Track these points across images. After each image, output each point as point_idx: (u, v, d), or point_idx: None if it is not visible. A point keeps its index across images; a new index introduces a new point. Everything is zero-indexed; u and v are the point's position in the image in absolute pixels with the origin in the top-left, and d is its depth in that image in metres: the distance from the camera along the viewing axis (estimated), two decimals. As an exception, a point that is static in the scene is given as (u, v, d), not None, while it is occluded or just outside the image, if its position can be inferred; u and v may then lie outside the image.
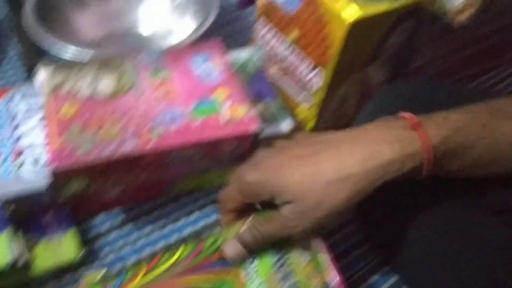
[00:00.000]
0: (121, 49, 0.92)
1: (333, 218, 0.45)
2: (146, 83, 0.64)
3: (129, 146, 0.58)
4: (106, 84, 0.63)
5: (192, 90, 0.65)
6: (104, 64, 0.65)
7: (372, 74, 0.75)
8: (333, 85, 0.72)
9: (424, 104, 0.52)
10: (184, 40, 0.81)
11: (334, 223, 0.47)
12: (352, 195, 0.44)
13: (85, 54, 0.77)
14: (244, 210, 0.54)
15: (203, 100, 0.64)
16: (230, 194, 0.53)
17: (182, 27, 0.91)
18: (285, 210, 0.47)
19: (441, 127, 0.45)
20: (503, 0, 0.65)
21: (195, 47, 0.72)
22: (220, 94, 0.65)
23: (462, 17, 0.60)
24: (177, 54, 0.70)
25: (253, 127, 0.62)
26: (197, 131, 0.60)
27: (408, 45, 0.75)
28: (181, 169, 0.64)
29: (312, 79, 0.72)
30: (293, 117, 0.79)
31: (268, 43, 0.79)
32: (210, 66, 0.68)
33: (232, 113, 0.63)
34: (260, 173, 0.48)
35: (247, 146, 0.65)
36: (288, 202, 0.46)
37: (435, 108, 0.49)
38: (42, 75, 0.63)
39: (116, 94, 0.63)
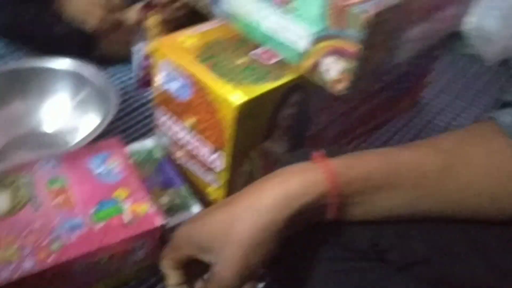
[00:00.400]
0: (27, 152, 0.90)
1: (258, 254, 0.46)
2: (43, 194, 0.63)
3: (29, 264, 0.56)
4: (1, 202, 0.61)
5: (92, 194, 0.64)
6: (-4, 181, 0.64)
7: (272, 147, 0.78)
8: (235, 164, 0.73)
9: None
10: (87, 137, 0.81)
11: (263, 259, 0.47)
12: (264, 225, 0.45)
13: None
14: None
15: (104, 202, 0.64)
16: (166, 251, 0.52)
17: (86, 123, 0.92)
18: (214, 264, 0.47)
19: (344, 158, 0.47)
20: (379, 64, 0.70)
21: (93, 147, 0.72)
22: (121, 193, 0.65)
23: (340, 87, 0.65)
24: (75, 157, 0.70)
25: (157, 222, 0.62)
26: (99, 237, 0.60)
27: (302, 115, 0.79)
28: (91, 276, 0.63)
29: (215, 161, 0.74)
30: (203, 200, 0.80)
31: (170, 129, 0.80)
32: (110, 165, 0.69)
33: (135, 211, 0.63)
34: (188, 224, 0.50)
35: (156, 240, 0.64)
36: (213, 254, 0.47)
37: None
38: None
39: (12, 210, 0.61)
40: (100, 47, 1.09)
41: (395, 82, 0.96)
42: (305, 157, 0.61)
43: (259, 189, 0.47)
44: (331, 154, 0.53)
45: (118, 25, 1.06)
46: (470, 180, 0.46)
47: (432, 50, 0.99)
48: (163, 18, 1.05)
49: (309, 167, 0.47)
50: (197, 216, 0.51)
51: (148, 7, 1.06)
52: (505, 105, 0.49)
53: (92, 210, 0.62)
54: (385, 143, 1.01)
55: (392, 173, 0.46)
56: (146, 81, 1.08)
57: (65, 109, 0.96)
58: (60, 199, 0.63)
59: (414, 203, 0.48)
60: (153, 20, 1.05)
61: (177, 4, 1.05)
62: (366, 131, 1.01)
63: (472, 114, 1.11)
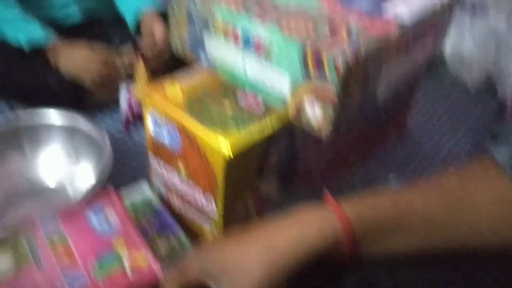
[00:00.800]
0: (28, 206, 0.92)
1: None
2: (45, 251, 0.65)
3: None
4: (3, 264, 0.63)
5: (91, 247, 0.67)
6: (-2, 243, 0.66)
7: (264, 186, 0.80)
8: (228, 206, 0.76)
9: None
10: (86, 192, 0.83)
11: None
12: (278, 266, 0.47)
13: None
14: None
15: (104, 254, 0.66)
16: (172, 274, 0.53)
17: (80, 171, 0.95)
18: None
19: (356, 204, 0.49)
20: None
21: (88, 200, 0.74)
22: (120, 244, 0.67)
23: (324, 130, 0.67)
24: (72, 211, 0.72)
25: (158, 272, 0.64)
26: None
27: (291, 154, 0.81)
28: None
29: (208, 205, 0.76)
30: (199, 241, 0.82)
31: (163, 174, 0.83)
32: (106, 217, 0.71)
33: (134, 261, 0.65)
34: (200, 250, 0.52)
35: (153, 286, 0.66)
36: (222, 283, 0.48)
37: None
38: None
39: (15, 270, 0.63)
40: (90, 96, 1.12)
41: (380, 113, 0.99)
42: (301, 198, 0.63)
43: (276, 227, 0.49)
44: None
45: (111, 78, 1.09)
46: (476, 222, 0.48)
47: (414, 78, 1.02)
48: (149, 67, 1.09)
49: (324, 211, 0.49)
50: (210, 244, 0.53)
51: (136, 53, 1.10)
52: (495, 136, 0.52)
53: (93, 264, 0.64)
54: (374, 172, 1.04)
55: (403, 218, 0.49)
56: (133, 122, 1.13)
57: (60, 160, 0.98)
58: (61, 255, 0.65)
59: (423, 243, 0.50)
60: (140, 69, 1.09)
61: (165, 56, 1.09)
62: (356, 161, 1.04)
63: (458, 137, 1.14)
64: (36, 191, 0.96)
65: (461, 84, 1.28)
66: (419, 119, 1.20)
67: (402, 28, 0.69)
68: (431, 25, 0.80)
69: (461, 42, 1.15)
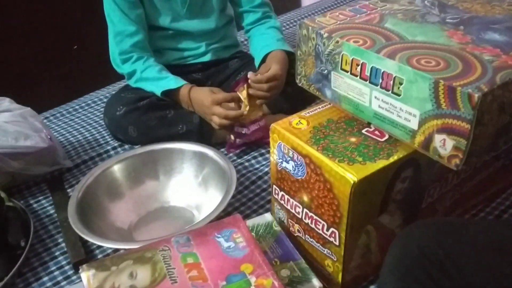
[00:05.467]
0: (158, 225, 1.01)
1: None
2: (179, 268, 0.70)
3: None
4: (143, 277, 0.69)
5: (221, 268, 0.70)
6: (138, 257, 0.72)
7: (387, 222, 0.80)
8: (351, 238, 0.76)
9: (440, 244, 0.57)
10: (212, 214, 0.89)
11: None
12: None
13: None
14: None
15: (233, 276, 0.69)
16: None
17: (209, 198, 1.01)
18: None
19: None
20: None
21: (219, 223, 0.79)
22: (247, 268, 0.70)
23: (455, 162, 0.66)
24: (203, 233, 0.77)
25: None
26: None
27: (415, 188, 0.80)
28: None
29: (331, 236, 0.77)
30: (321, 272, 0.83)
31: (286, 204, 0.86)
32: (235, 241, 0.75)
33: (261, 285, 0.67)
34: None
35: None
36: None
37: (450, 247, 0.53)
38: (85, 275, 0.70)
39: (152, 284, 0.68)
40: (217, 135, 1.22)
41: (510, 149, 0.94)
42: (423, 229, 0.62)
43: None
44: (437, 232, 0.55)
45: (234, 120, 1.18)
46: None
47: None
48: (250, 92, 1.16)
49: None
50: None
51: (244, 81, 1.18)
52: None
53: (222, 284, 0.68)
54: (503, 212, 0.98)
55: None
56: (235, 145, 1.20)
57: (190, 187, 1.06)
58: (194, 273, 0.69)
59: None
60: (242, 93, 1.17)
61: (263, 85, 1.16)
62: (481, 201, 0.99)
63: None
64: (167, 212, 1.04)
65: None
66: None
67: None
68: None
69: None
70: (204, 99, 1.17)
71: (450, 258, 0.59)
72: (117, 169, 1.04)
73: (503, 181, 1.01)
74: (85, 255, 0.93)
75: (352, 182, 0.69)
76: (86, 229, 0.89)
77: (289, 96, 1.27)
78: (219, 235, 0.76)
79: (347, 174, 0.69)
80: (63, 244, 0.98)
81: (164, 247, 0.74)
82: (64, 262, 0.95)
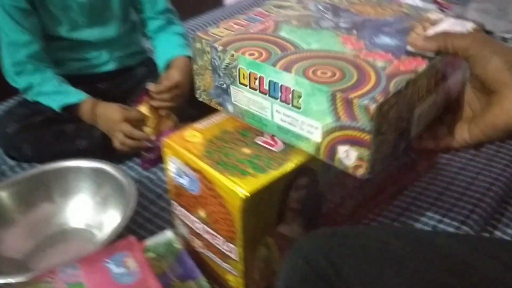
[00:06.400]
0: (56, 252, 0.95)
1: None
2: (63, 301, 0.65)
3: None
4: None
5: (110, 297, 0.66)
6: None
7: (287, 231, 0.78)
8: (250, 252, 0.74)
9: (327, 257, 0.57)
10: (110, 236, 0.84)
11: None
12: None
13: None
14: None
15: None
16: None
17: (109, 217, 0.96)
18: None
19: None
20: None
21: (111, 247, 0.75)
22: (138, 294, 0.67)
23: (360, 172, 0.65)
24: (94, 259, 0.72)
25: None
26: None
27: (313, 195, 0.79)
28: None
29: (228, 252, 0.75)
30: (224, 286, 0.81)
31: (185, 220, 0.83)
32: (127, 266, 0.71)
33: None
34: None
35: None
36: None
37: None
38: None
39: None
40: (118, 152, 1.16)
41: (407, 148, 0.96)
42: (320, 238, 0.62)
43: None
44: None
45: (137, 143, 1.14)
46: None
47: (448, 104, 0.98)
48: (153, 105, 1.13)
49: None
50: None
51: (145, 94, 1.14)
52: None
53: (110, 315, 0.64)
54: (405, 210, 1.00)
55: None
56: (149, 161, 1.16)
57: (88, 208, 1.00)
58: (79, 306, 0.65)
59: None
60: (142, 108, 1.14)
61: (165, 95, 1.13)
62: (384, 199, 1.00)
63: (491, 172, 1.09)
64: (66, 234, 0.99)
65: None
66: (451, 153, 1.15)
67: (430, 60, 0.67)
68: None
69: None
70: (114, 114, 1.12)
71: (336, 270, 0.58)
72: (5, 196, 0.97)
73: (403, 180, 1.03)
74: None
75: (242, 197, 0.67)
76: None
77: (198, 103, 1.23)
78: (109, 261, 0.71)
79: (238, 189, 0.67)
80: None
81: (48, 278, 0.69)
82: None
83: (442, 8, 1.44)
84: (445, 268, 0.57)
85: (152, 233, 0.95)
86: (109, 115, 1.13)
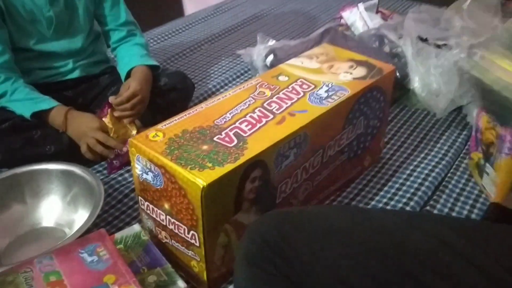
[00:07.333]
0: (30, 247, 1.00)
1: None
2: (40, 287, 0.72)
3: None
4: (4, 300, 0.70)
5: (84, 282, 0.73)
6: (-1, 282, 0.73)
7: (245, 219, 0.87)
8: (210, 239, 0.82)
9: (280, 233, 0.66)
10: (79, 231, 0.90)
11: None
12: None
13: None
14: None
15: (96, 288, 0.72)
16: None
17: (79, 216, 1.02)
18: None
19: None
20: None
21: (84, 239, 0.81)
22: (110, 278, 0.74)
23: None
24: (68, 250, 0.79)
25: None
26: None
27: (266, 186, 0.88)
28: None
29: (191, 239, 0.83)
30: (189, 273, 0.89)
31: (151, 213, 0.90)
32: (98, 256, 0.78)
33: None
34: None
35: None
36: None
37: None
38: None
39: (14, 306, 0.69)
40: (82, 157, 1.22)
41: (351, 145, 1.07)
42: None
43: None
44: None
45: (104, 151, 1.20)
46: None
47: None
48: (116, 115, 1.21)
49: None
50: None
51: (108, 105, 1.21)
52: None
53: (85, 298, 0.71)
54: (351, 200, 1.10)
55: None
56: (115, 167, 1.22)
57: (59, 206, 1.06)
58: (56, 289, 0.72)
59: None
60: (105, 119, 1.21)
61: (126, 105, 1.20)
62: (333, 192, 1.10)
63: (431, 164, 1.21)
64: (38, 233, 1.04)
65: (432, 113, 1.38)
66: (394, 147, 1.28)
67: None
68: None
69: (429, 75, 1.24)
70: (91, 123, 1.18)
71: (289, 245, 0.67)
72: (-23, 198, 1.02)
73: (349, 173, 1.13)
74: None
75: (201, 186, 0.75)
76: None
77: (161, 108, 1.31)
78: (82, 251, 0.78)
79: (197, 180, 0.76)
80: None
81: (26, 269, 0.75)
82: None
83: (385, 18, 1.57)
84: (383, 239, 0.67)
85: (120, 229, 1.01)
86: (86, 123, 1.19)
